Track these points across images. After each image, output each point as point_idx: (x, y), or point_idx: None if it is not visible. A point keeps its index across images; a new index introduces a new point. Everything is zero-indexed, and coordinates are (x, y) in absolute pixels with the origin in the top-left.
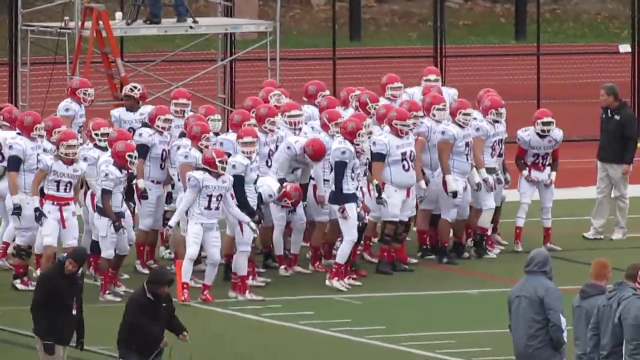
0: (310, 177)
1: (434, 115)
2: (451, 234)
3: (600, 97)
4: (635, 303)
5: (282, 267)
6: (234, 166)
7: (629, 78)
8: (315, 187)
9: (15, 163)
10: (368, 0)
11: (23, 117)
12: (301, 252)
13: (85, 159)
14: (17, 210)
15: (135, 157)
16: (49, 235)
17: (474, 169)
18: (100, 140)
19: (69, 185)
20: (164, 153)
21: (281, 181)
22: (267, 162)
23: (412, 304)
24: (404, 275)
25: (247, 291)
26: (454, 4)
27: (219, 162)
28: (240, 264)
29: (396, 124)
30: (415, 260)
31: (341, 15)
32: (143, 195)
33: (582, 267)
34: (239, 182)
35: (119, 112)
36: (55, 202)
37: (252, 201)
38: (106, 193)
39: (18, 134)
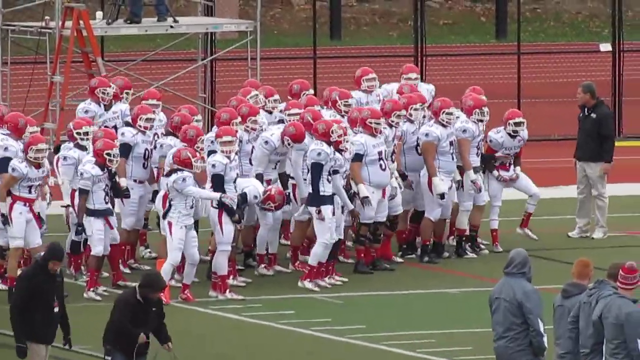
0: (290, 177)
1: (410, 115)
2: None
3: (577, 96)
4: (616, 302)
5: (262, 265)
6: (213, 165)
7: (609, 77)
8: (294, 186)
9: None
10: None
11: (17, 119)
12: (282, 251)
13: (65, 158)
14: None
15: (114, 156)
16: (19, 238)
17: (468, 171)
18: (82, 139)
19: (37, 187)
20: (147, 152)
21: (260, 176)
22: (250, 160)
23: (393, 303)
24: (384, 275)
25: (228, 290)
26: (435, 3)
27: (195, 161)
28: (221, 263)
29: (370, 123)
30: (400, 260)
31: (322, 15)
32: (125, 194)
33: (563, 266)
34: (218, 181)
35: (96, 108)
36: (27, 204)
37: (233, 201)
38: (83, 193)
39: (6, 134)
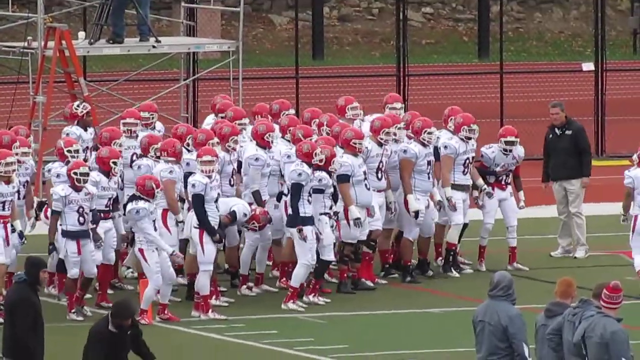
0: (282, 193)
1: (395, 134)
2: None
3: (553, 116)
4: (601, 321)
5: (245, 287)
6: (193, 185)
7: (592, 96)
8: (286, 203)
9: None
10: (331, 19)
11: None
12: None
13: (58, 176)
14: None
15: (117, 164)
16: (0, 254)
17: (438, 187)
18: (72, 157)
19: (9, 203)
20: (122, 174)
21: (257, 194)
22: (230, 181)
23: (375, 323)
24: (366, 294)
25: (210, 310)
26: (417, 23)
27: (158, 192)
28: (203, 284)
29: (355, 143)
30: (384, 282)
31: (304, 34)
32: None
33: (546, 286)
34: (199, 201)
35: (79, 131)
36: (1, 221)
37: (213, 220)
38: (54, 213)
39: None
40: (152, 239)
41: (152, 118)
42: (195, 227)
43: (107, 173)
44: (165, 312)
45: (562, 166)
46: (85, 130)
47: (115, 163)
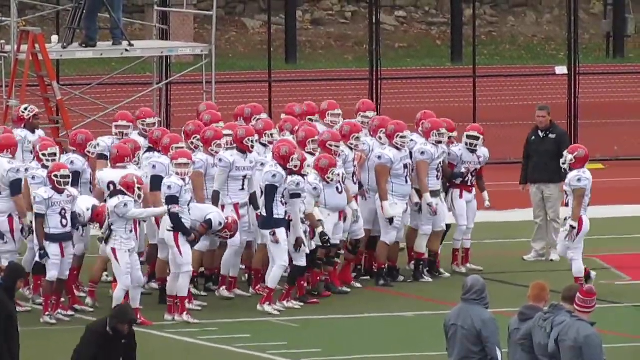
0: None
1: (380, 138)
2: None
3: (538, 118)
4: (575, 325)
5: (223, 287)
6: (169, 187)
7: (565, 100)
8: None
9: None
10: (304, 22)
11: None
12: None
13: (33, 178)
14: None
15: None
16: None
17: (414, 190)
18: (47, 161)
19: None
20: (91, 177)
21: (215, 194)
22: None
23: (349, 326)
24: (340, 298)
25: (185, 313)
26: (390, 27)
27: (138, 188)
28: (182, 285)
29: (331, 145)
30: (359, 285)
31: (277, 38)
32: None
33: (520, 290)
34: (173, 203)
35: (24, 133)
36: None
37: (187, 222)
38: (38, 217)
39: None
40: (148, 212)
41: (129, 127)
42: (169, 230)
43: (58, 189)
44: (138, 316)
45: (542, 169)
46: (33, 132)
47: (56, 176)
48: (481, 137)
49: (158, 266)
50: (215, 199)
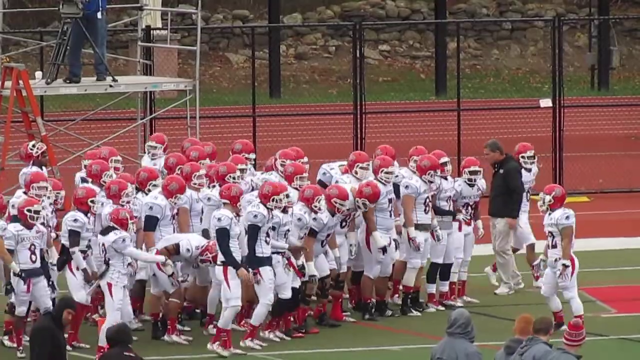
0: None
1: (356, 173)
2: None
3: (485, 156)
4: (561, 358)
5: (211, 326)
6: (151, 207)
7: (549, 132)
8: None
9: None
10: (287, 57)
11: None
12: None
13: (13, 206)
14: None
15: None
16: None
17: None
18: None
19: None
20: None
21: (205, 232)
22: (200, 219)
23: None
24: (326, 332)
25: (218, 343)
26: (374, 61)
27: (131, 223)
28: (226, 318)
29: (335, 202)
30: (352, 320)
31: (261, 73)
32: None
33: (506, 323)
34: (153, 223)
35: (34, 170)
36: None
37: (237, 256)
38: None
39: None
40: (144, 258)
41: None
42: (219, 265)
43: (86, 212)
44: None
45: (492, 203)
46: (41, 169)
47: (93, 202)
48: (481, 170)
49: (149, 301)
50: (206, 236)
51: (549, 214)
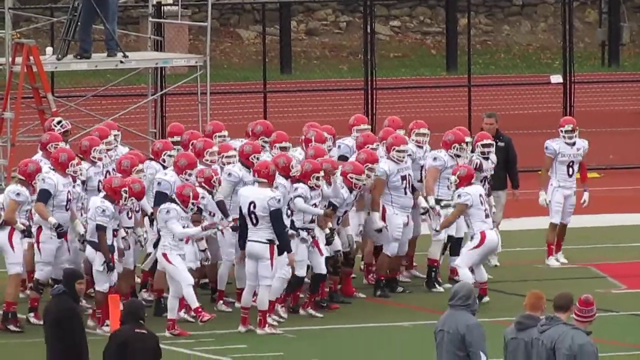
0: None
1: (393, 157)
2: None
3: (489, 126)
4: (569, 333)
5: (221, 302)
6: (159, 183)
7: (560, 109)
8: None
9: (45, 196)
10: (298, 33)
11: (58, 154)
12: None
13: (18, 194)
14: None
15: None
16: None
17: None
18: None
19: None
20: (69, 194)
21: (221, 204)
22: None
23: (345, 336)
24: (337, 308)
25: (267, 325)
26: (385, 36)
27: (192, 203)
28: (263, 298)
29: (352, 178)
30: (363, 295)
31: (272, 49)
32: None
33: (516, 299)
34: (162, 198)
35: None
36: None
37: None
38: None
39: (51, 169)
40: (182, 234)
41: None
42: (264, 243)
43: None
44: (175, 327)
45: (493, 177)
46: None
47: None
48: (494, 143)
49: (156, 278)
50: (223, 207)
51: (455, 192)
